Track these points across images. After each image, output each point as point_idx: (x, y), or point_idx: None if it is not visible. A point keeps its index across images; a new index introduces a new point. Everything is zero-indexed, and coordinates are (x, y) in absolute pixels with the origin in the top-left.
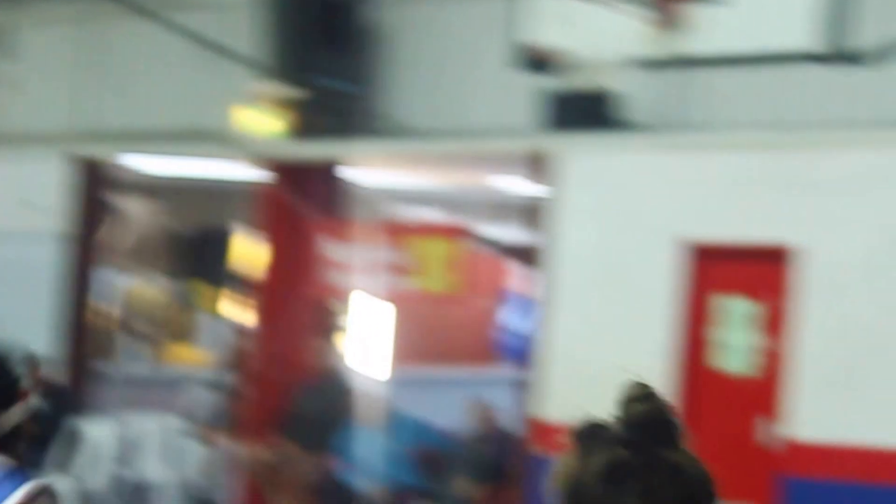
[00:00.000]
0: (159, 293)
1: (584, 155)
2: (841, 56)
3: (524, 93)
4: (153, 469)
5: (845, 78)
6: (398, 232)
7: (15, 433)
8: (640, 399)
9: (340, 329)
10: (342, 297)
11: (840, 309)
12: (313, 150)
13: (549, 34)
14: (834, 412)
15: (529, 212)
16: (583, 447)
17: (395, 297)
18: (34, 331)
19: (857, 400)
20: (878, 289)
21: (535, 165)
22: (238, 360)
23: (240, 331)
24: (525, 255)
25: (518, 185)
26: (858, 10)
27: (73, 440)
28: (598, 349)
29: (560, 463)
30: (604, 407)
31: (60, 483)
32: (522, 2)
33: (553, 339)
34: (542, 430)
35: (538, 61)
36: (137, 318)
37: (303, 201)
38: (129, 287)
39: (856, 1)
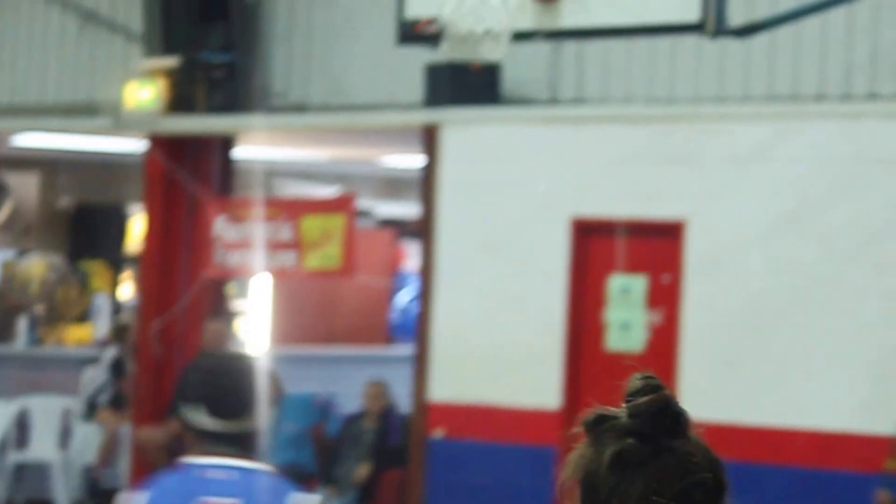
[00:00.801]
0: (53, 272)
1: (468, 128)
2: (723, 30)
3: (412, 66)
4: (49, 451)
5: (729, 52)
6: (286, 207)
7: None
8: (646, 390)
9: (233, 308)
10: (233, 275)
11: (727, 284)
12: (200, 125)
13: (431, 7)
14: (718, 391)
15: (421, 187)
16: (593, 438)
17: (285, 275)
18: None
19: (741, 378)
20: (763, 263)
21: (424, 140)
22: (126, 339)
23: (130, 309)
24: (417, 230)
25: (410, 161)
26: None
27: None
28: (484, 327)
29: (572, 454)
30: (491, 386)
31: None
32: None
33: (437, 317)
34: (429, 411)
35: (421, 35)
36: (31, 297)
37: (190, 177)
38: (21, 266)
39: None
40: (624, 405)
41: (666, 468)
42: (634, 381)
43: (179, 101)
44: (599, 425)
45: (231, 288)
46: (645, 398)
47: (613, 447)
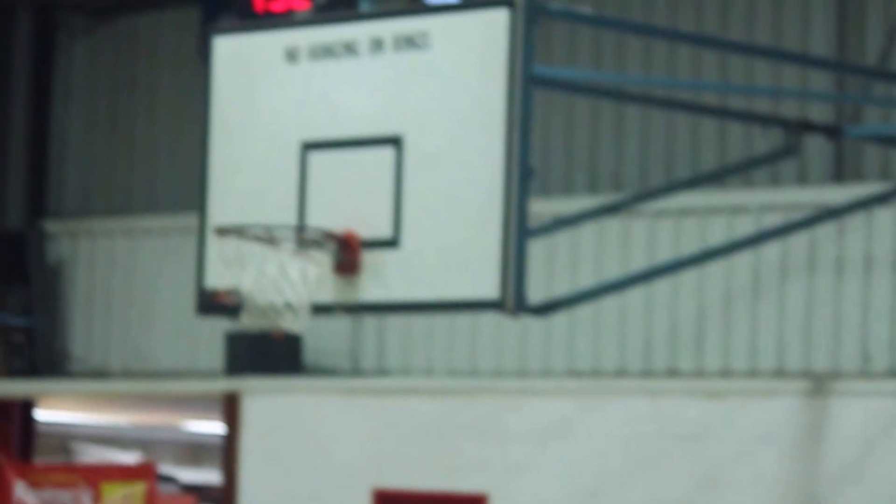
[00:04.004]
0: None
1: (270, 397)
2: (522, 307)
3: (213, 334)
4: None
5: (530, 327)
6: (87, 474)
7: None
8: None
9: None
10: None
11: None
12: (3, 389)
13: (230, 277)
14: None
15: (222, 455)
16: None
17: None
18: None
19: None
20: None
21: (226, 407)
22: None
23: None
24: (219, 498)
25: (211, 427)
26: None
27: None
28: None
29: None
30: None
31: None
32: (207, 244)
33: None
34: None
35: (221, 304)
36: None
37: None
38: None
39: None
40: None
41: None
42: None
43: None
44: None
45: None
46: None
47: None
